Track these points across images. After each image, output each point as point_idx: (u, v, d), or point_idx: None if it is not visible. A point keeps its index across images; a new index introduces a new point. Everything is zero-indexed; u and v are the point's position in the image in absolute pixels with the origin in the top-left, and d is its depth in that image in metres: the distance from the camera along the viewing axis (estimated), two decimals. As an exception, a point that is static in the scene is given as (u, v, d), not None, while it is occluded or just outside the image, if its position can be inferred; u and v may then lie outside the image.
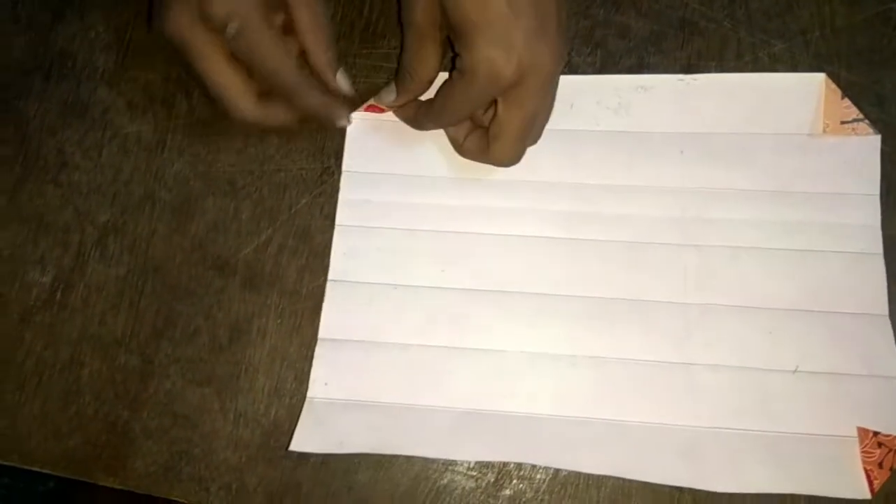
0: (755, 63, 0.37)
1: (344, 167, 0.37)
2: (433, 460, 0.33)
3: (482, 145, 0.34)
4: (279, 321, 0.35)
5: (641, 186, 0.35)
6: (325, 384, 0.34)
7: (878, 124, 0.36)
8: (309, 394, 0.34)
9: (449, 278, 0.35)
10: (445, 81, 0.33)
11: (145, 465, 0.34)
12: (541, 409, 0.33)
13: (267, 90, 0.35)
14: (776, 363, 0.33)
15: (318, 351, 0.34)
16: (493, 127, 0.33)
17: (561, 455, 0.32)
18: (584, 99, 0.37)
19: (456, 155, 0.36)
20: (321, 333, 0.34)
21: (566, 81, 0.35)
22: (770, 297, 0.33)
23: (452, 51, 0.32)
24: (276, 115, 0.35)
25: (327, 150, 0.37)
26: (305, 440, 0.33)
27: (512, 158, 0.34)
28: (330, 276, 0.35)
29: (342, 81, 0.36)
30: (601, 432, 0.32)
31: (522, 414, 0.33)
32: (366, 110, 0.37)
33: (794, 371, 0.33)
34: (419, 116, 0.35)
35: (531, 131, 0.33)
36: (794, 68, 0.37)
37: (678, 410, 0.32)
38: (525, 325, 0.34)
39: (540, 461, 0.32)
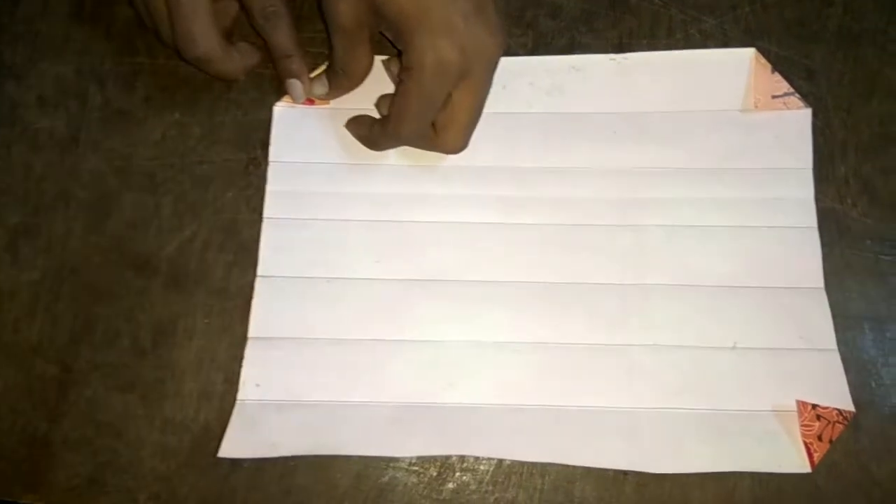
0: (687, 40, 0.37)
1: (271, 157, 0.35)
2: (373, 458, 0.32)
3: (428, 133, 0.33)
4: (207, 321, 0.33)
5: (577, 168, 0.35)
6: (257, 385, 0.32)
7: (808, 98, 0.36)
8: (239, 396, 0.32)
9: (384, 269, 0.34)
10: (396, 90, 0.32)
11: (67, 478, 0.32)
12: (481, 398, 0.32)
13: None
14: (714, 341, 0.32)
15: (249, 351, 0.33)
16: (442, 117, 0.32)
17: (503, 445, 0.31)
18: (516, 81, 0.36)
19: (386, 141, 0.35)
20: (251, 332, 0.33)
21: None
22: (707, 274, 0.33)
23: (395, 48, 0.31)
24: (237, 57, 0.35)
25: (253, 140, 0.36)
26: (236, 445, 0.31)
27: (463, 145, 0.34)
28: (259, 271, 0.34)
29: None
30: (542, 419, 0.32)
31: (463, 405, 0.32)
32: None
33: (733, 347, 0.32)
34: (374, 136, 0.34)
35: (479, 117, 0.33)
36: (725, 44, 0.37)
37: (619, 393, 0.32)
38: (464, 314, 0.33)
39: (482, 452, 0.31)
